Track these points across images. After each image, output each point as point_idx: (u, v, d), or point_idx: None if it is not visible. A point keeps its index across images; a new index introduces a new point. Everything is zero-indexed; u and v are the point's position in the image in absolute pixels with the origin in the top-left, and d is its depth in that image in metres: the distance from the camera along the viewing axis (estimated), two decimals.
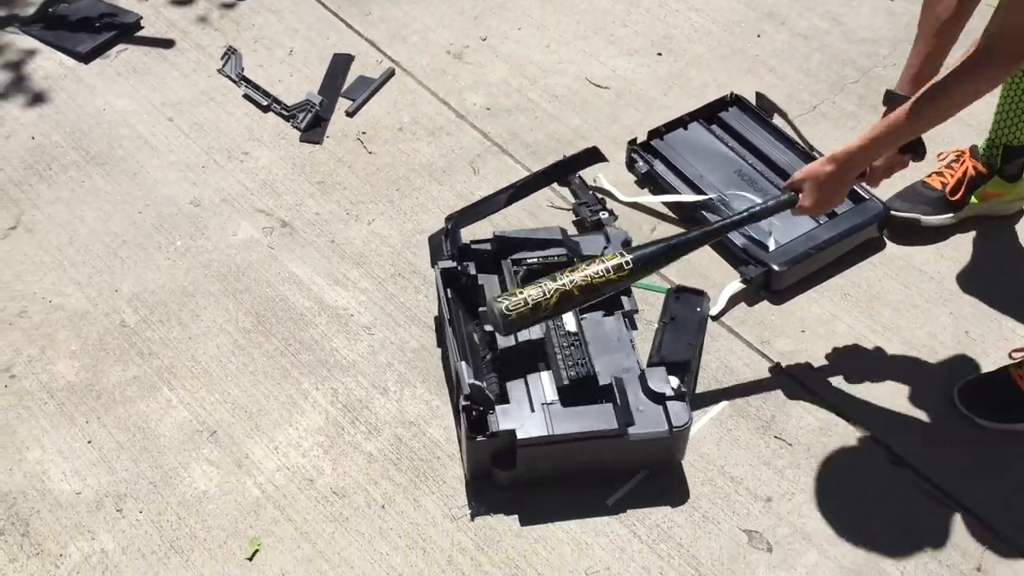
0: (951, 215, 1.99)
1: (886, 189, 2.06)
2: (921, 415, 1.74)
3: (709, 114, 2.19)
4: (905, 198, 2.01)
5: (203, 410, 1.76)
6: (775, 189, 2.04)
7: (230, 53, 2.34)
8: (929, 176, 2.03)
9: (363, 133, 2.22)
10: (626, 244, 1.79)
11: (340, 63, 2.36)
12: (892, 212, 1.99)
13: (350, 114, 2.25)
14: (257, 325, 1.88)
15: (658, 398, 1.60)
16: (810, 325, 1.87)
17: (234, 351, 1.84)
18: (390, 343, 1.85)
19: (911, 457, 1.69)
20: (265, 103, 2.25)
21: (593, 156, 1.85)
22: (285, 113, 2.23)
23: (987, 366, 1.80)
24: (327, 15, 2.48)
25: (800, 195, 1.63)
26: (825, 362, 1.82)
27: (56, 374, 1.79)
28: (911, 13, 2.45)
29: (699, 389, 1.77)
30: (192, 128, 2.22)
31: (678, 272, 1.95)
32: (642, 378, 1.62)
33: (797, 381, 1.79)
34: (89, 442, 1.70)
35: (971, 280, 1.94)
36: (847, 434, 1.72)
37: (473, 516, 1.61)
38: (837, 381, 1.79)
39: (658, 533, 1.60)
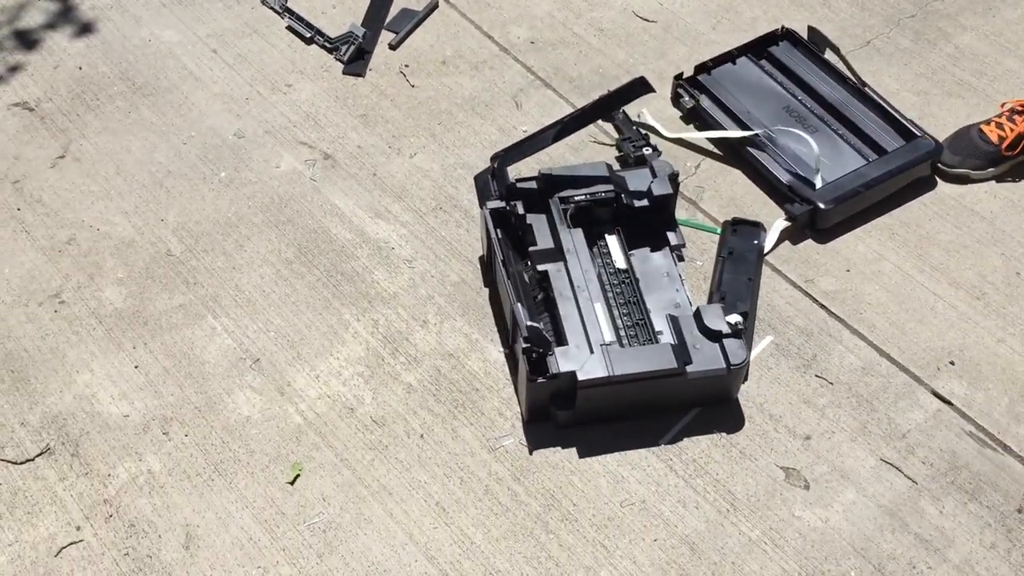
0: (999, 168, 1.93)
1: (941, 130, 2.00)
2: (969, 356, 1.72)
3: (759, 49, 2.14)
4: (957, 149, 1.94)
5: (247, 338, 1.79)
6: (824, 126, 2.00)
7: None
8: (987, 124, 1.95)
9: (406, 66, 2.20)
10: (673, 177, 1.77)
11: None
12: (940, 165, 1.94)
13: (393, 47, 2.23)
14: (300, 256, 1.89)
15: (714, 336, 1.60)
16: (855, 264, 1.84)
17: (277, 281, 1.86)
18: (430, 276, 1.86)
19: (956, 398, 1.67)
20: (308, 35, 2.24)
21: (642, 86, 1.82)
22: (328, 45, 2.22)
23: None
24: None
25: None
26: (870, 302, 1.79)
27: (104, 300, 1.83)
28: None
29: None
30: (236, 60, 2.22)
31: (721, 209, 1.93)
32: (697, 315, 1.62)
33: (840, 320, 1.77)
34: (136, 367, 1.74)
35: None
36: (890, 374, 1.70)
37: (513, 448, 1.63)
38: (881, 321, 1.76)
39: (695, 468, 1.61)
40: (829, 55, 2.10)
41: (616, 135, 2.04)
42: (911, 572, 1.50)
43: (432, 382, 1.72)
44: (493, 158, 1.80)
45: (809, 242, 1.88)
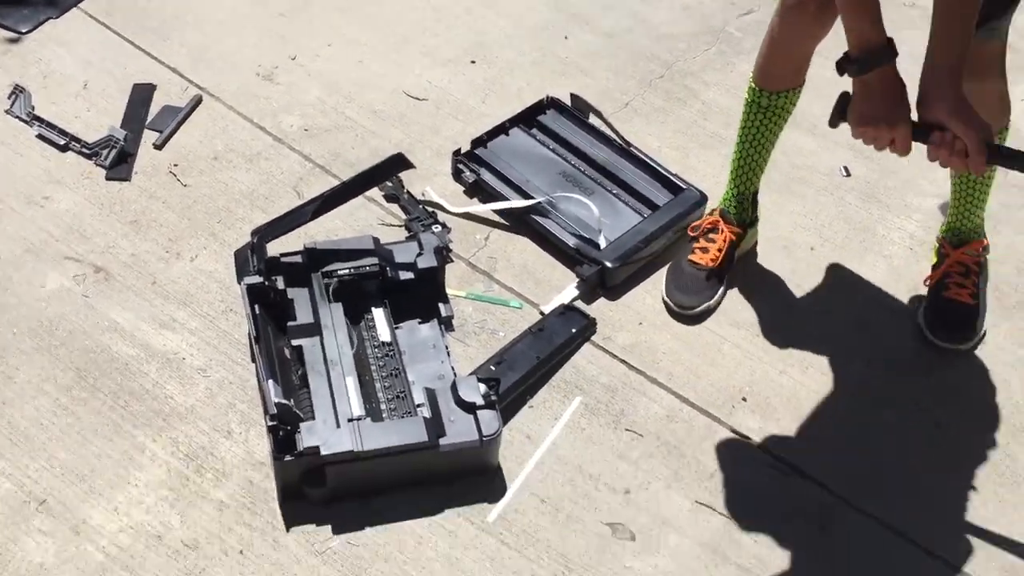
0: (723, 286, 1.95)
1: (702, 180, 2.14)
2: (758, 391, 1.84)
3: (528, 118, 2.22)
4: (684, 289, 1.91)
5: (28, 479, 1.63)
6: (599, 187, 2.10)
7: (17, 92, 2.17)
8: (692, 253, 1.94)
9: (175, 165, 2.11)
10: (438, 250, 1.80)
11: (142, 93, 2.23)
12: (681, 311, 1.91)
13: (158, 146, 2.14)
14: (79, 380, 1.75)
15: (469, 407, 1.62)
16: (647, 316, 1.94)
17: (56, 411, 1.71)
18: (228, 383, 1.78)
19: (752, 432, 1.78)
20: (62, 142, 2.10)
21: (400, 163, 1.84)
22: (86, 151, 2.09)
23: (815, 341, 1.92)
24: (122, 43, 2.34)
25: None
26: (664, 351, 1.88)
27: None
28: (703, 9, 2.57)
29: (550, 393, 1.79)
30: None
31: (515, 278, 1.97)
32: (453, 387, 1.64)
33: (640, 373, 1.85)
34: None
35: (785, 255, 2.06)
36: (692, 418, 1.79)
37: (337, 547, 1.57)
38: (677, 368, 1.86)
39: (526, 538, 1.61)
40: (593, 119, 2.22)
41: (404, 215, 2.05)
42: None
43: (245, 495, 1.64)
44: (253, 233, 1.77)
45: (602, 300, 1.96)
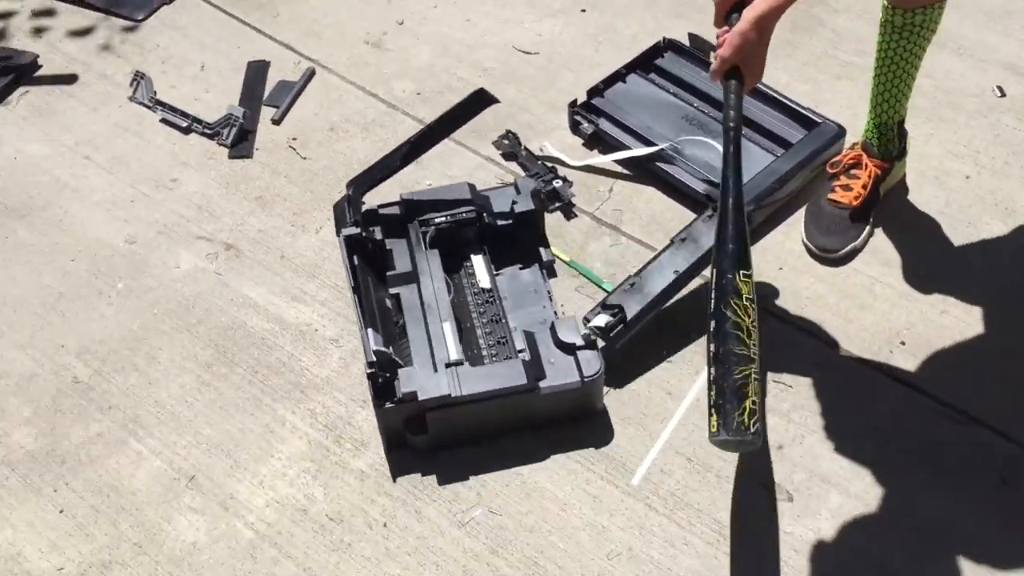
0: (870, 225, 1.82)
1: (837, 114, 2.00)
2: (918, 333, 1.70)
3: (645, 63, 2.12)
4: (826, 231, 1.79)
5: (177, 456, 1.66)
6: None
7: (138, 78, 2.20)
8: (832, 192, 1.82)
9: (294, 139, 2.11)
10: (535, 194, 1.77)
11: (256, 71, 2.24)
12: (823, 253, 1.80)
13: (276, 121, 2.14)
14: (219, 357, 1.77)
15: (569, 348, 1.57)
16: (787, 260, 1.82)
17: (199, 388, 1.74)
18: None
19: (914, 379, 1.65)
20: (185, 124, 2.12)
21: (482, 99, 1.79)
22: (208, 131, 2.11)
23: None
24: (233, 23, 2.35)
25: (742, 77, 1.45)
26: (809, 296, 1.77)
27: (13, 445, 1.67)
28: None
29: (686, 348, 1.71)
30: (112, 163, 2.09)
31: (643, 229, 1.89)
32: (552, 329, 1.59)
33: (785, 321, 1.74)
34: (61, 511, 1.59)
35: (937, 186, 1.91)
36: (846, 365, 1.68)
37: (484, 519, 1.54)
38: (825, 314, 1.74)
39: (674, 502, 1.54)
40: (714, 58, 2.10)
41: (523, 173, 1.99)
42: (915, 565, 1.46)
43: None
44: (348, 184, 1.77)
45: None
